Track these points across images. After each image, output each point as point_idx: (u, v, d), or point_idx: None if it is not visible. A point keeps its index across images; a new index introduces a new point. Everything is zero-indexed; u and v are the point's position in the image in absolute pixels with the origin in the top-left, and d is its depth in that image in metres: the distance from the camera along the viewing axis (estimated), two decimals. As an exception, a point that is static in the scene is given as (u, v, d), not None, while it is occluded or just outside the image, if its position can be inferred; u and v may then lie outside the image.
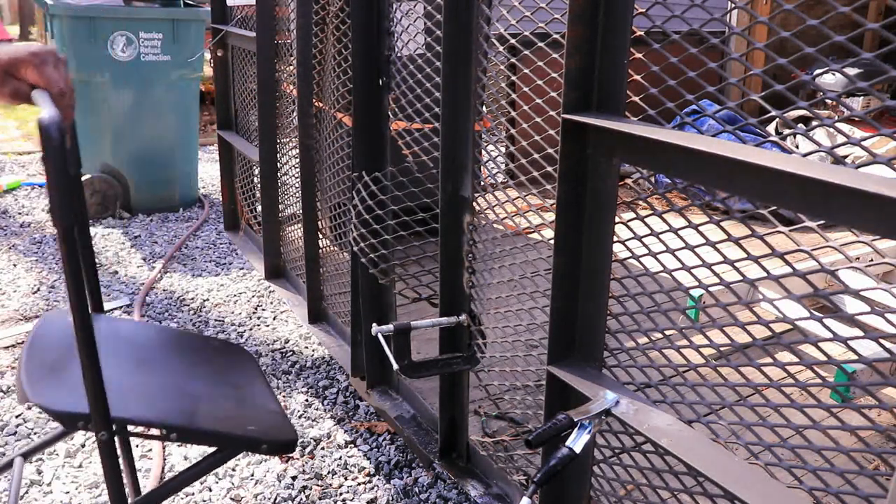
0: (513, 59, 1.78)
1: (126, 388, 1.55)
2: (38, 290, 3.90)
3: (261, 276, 3.29)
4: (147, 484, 2.39)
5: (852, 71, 4.80)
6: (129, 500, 1.46)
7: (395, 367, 1.72)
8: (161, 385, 1.65)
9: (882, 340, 1.01)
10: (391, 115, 2.07)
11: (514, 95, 1.68)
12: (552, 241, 1.38)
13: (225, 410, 1.62)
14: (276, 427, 1.60)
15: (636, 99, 1.30)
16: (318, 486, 2.44)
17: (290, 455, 2.57)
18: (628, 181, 1.47)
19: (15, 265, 4.23)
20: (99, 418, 1.34)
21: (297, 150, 2.67)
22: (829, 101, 5.17)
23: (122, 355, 1.72)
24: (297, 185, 2.84)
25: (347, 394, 2.97)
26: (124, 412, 1.43)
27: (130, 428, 1.45)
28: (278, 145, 3.05)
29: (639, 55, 1.25)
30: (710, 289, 1.24)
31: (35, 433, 2.65)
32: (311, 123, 2.60)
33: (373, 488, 2.43)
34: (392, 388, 2.37)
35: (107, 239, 4.68)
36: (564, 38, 1.27)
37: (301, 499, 2.38)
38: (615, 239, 1.35)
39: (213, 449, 1.55)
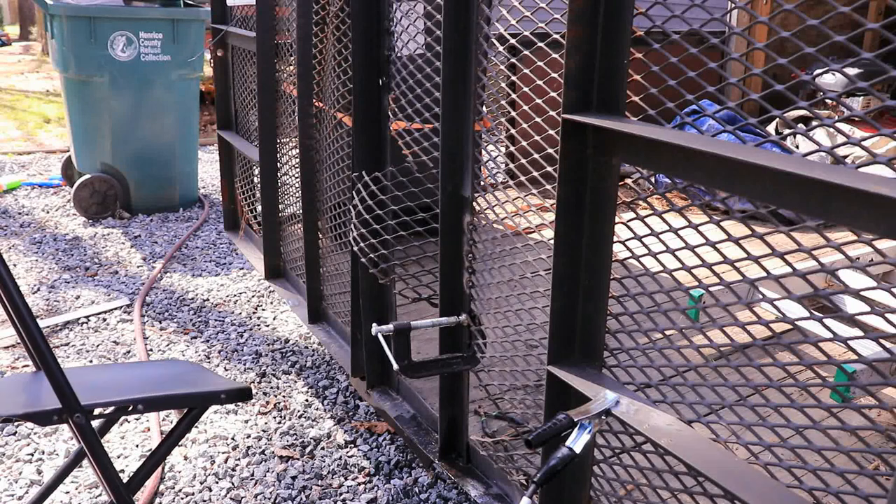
0: (513, 59, 1.78)
1: (90, 387, 1.77)
2: (38, 289, 3.90)
3: (261, 276, 3.29)
4: (148, 482, 2.39)
5: (852, 71, 4.79)
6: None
7: (395, 367, 1.72)
8: (121, 381, 1.93)
9: (882, 340, 1.01)
10: (391, 115, 2.07)
11: (514, 95, 1.68)
12: (552, 241, 1.38)
13: (180, 385, 1.89)
14: (228, 385, 1.87)
15: (636, 99, 1.30)
16: (318, 486, 2.44)
17: (291, 455, 2.58)
18: (628, 181, 1.46)
19: (15, 265, 4.23)
20: (69, 405, 1.57)
21: (297, 150, 2.67)
22: (829, 101, 5.17)
23: (85, 376, 1.97)
24: (297, 185, 2.84)
25: (347, 394, 2.97)
26: (91, 400, 1.65)
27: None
28: (278, 145, 3.05)
29: (639, 55, 1.25)
30: (711, 289, 1.24)
31: (35, 433, 2.65)
32: (311, 123, 2.60)
33: (373, 488, 2.43)
34: (392, 388, 2.37)
35: (107, 239, 4.68)
36: (564, 38, 1.27)
37: (301, 499, 2.38)
38: (615, 239, 1.35)
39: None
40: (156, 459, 1.84)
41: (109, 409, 1.73)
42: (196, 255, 4.48)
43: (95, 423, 1.91)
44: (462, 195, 1.76)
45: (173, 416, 2.78)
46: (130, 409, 1.71)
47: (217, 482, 2.44)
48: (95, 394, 1.70)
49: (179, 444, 2.62)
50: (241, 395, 1.85)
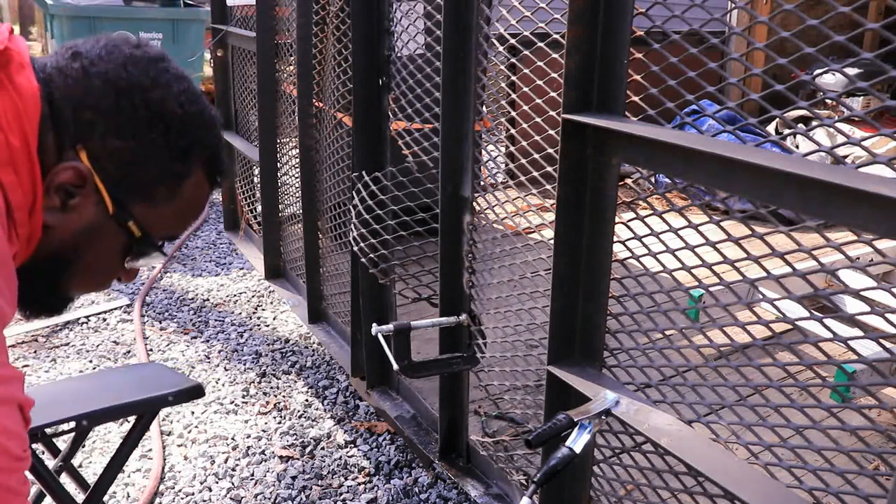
0: (513, 59, 1.78)
1: (40, 407, 1.75)
2: (38, 290, 3.89)
3: (261, 276, 3.29)
4: (147, 484, 2.39)
5: (852, 71, 4.79)
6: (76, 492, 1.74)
7: (395, 367, 1.72)
8: (74, 396, 1.90)
9: (882, 340, 1.01)
10: (391, 115, 2.07)
11: (514, 95, 1.68)
12: (552, 241, 1.38)
13: (134, 392, 1.88)
14: (178, 386, 1.89)
15: (636, 99, 1.30)
16: (318, 486, 2.44)
17: (291, 455, 2.58)
18: (628, 181, 1.46)
19: (15, 265, 4.22)
20: None
21: (297, 150, 2.67)
22: (829, 101, 5.17)
23: (40, 394, 2.04)
24: (297, 185, 2.84)
25: (347, 394, 2.97)
26: (35, 423, 1.69)
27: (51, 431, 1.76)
28: (278, 145, 3.05)
29: (639, 55, 1.25)
30: (711, 289, 1.24)
31: (35, 433, 2.65)
32: (311, 123, 2.60)
33: (373, 488, 2.43)
34: (392, 388, 2.37)
35: (107, 239, 4.68)
36: (564, 38, 1.27)
37: (301, 499, 2.38)
38: (615, 239, 1.35)
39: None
40: (114, 469, 1.87)
41: (51, 430, 1.75)
42: (196, 255, 4.48)
43: (69, 437, 1.94)
44: (462, 195, 1.76)
45: (172, 417, 2.79)
46: (74, 426, 1.74)
47: (217, 482, 2.44)
48: (41, 414, 1.70)
49: (179, 444, 2.63)
50: (192, 394, 1.88)
